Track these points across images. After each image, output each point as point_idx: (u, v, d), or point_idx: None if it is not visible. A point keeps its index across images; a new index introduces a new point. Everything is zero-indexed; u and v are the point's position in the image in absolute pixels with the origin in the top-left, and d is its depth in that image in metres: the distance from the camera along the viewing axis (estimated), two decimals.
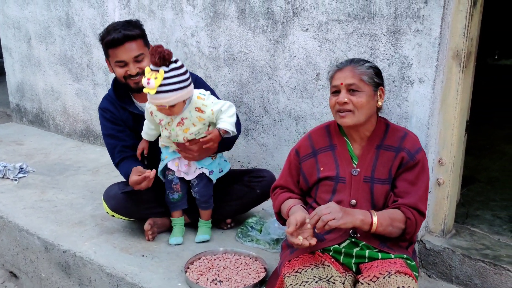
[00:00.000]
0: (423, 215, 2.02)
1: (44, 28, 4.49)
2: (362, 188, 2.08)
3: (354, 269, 1.99)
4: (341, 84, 2.03)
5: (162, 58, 2.13)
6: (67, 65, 4.41)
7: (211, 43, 3.33)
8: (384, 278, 1.84)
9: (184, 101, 2.34)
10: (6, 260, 3.04)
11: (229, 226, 2.80)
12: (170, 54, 2.16)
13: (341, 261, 2.00)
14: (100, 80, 4.16)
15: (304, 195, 2.26)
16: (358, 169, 2.09)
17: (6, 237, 2.97)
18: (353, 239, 2.04)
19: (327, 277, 1.90)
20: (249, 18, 3.09)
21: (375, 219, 1.94)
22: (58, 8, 4.30)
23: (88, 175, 3.68)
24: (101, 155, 4.14)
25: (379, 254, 1.97)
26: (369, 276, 1.88)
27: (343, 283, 1.87)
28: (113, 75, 2.77)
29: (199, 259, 2.42)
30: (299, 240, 1.92)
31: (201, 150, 2.46)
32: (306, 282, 1.88)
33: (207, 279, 2.25)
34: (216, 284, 2.22)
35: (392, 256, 1.97)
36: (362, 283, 1.87)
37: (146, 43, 2.61)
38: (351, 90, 2.02)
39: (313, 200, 2.19)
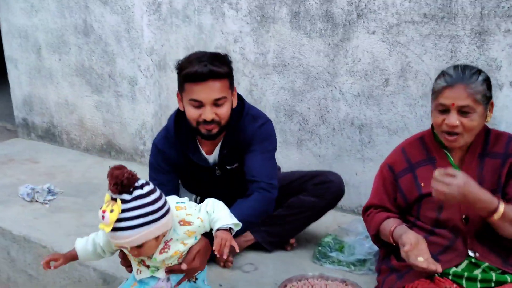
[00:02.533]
0: None
1: (57, 37, 4.19)
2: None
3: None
4: (453, 105, 1.83)
5: (120, 184, 1.57)
6: (85, 76, 4.12)
7: (258, 49, 3.12)
8: None
9: (158, 238, 1.71)
10: None
11: (293, 246, 2.59)
12: (131, 178, 1.60)
13: (464, 286, 1.82)
14: (125, 91, 3.90)
15: (402, 213, 2.08)
16: None
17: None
18: (472, 259, 1.86)
19: None
20: (303, 21, 2.89)
21: (501, 206, 1.75)
22: (74, 15, 4.01)
23: None
24: None
25: (508, 277, 1.79)
26: None
27: None
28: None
29: (285, 286, 2.20)
30: (421, 261, 1.73)
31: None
32: None
33: None
34: None
35: None
36: None
37: (232, 84, 2.23)
38: (463, 111, 1.83)
39: (416, 219, 2.01)
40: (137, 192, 1.61)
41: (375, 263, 2.37)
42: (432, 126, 2.00)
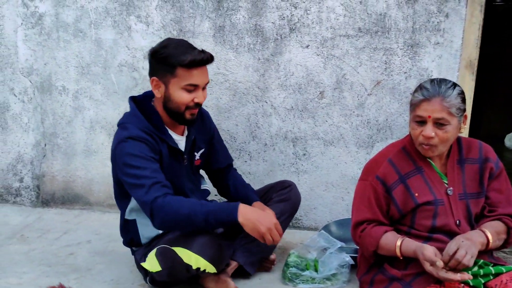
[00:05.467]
0: None
1: None
2: (460, 206, 2.06)
3: None
4: (429, 117, 1.94)
5: None
6: None
7: None
8: None
9: None
10: None
11: (274, 263, 2.51)
12: None
13: (471, 284, 1.95)
14: None
15: (393, 224, 2.14)
16: (451, 188, 2.06)
17: None
18: None
19: None
20: (229, 35, 2.77)
21: (490, 237, 1.96)
22: None
23: (18, 245, 2.82)
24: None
25: (503, 268, 1.98)
26: None
27: None
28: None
29: None
30: (455, 276, 1.81)
31: None
32: None
33: None
34: None
35: None
36: None
37: None
38: (438, 123, 1.95)
39: (409, 227, 2.09)
40: None
41: (347, 275, 2.39)
42: (410, 135, 2.10)
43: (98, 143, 3.12)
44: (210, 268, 2.04)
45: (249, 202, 2.34)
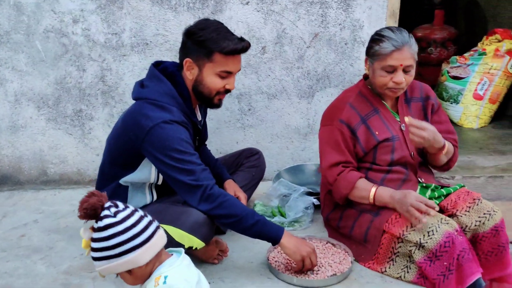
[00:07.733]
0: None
1: None
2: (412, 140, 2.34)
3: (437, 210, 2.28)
4: (401, 65, 2.12)
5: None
6: None
7: (108, 29, 2.76)
8: (477, 205, 2.19)
9: (132, 272, 1.54)
10: None
11: None
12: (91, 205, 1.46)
13: None
14: None
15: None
16: (404, 124, 2.33)
17: None
18: (423, 184, 2.31)
19: (438, 221, 2.13)
20: None
21: (446, 143, 2.26)
22: None
23: None
24: None
25: (451, 189, 2.31)
26: (462, 208, 2.20)
27: None
28: None
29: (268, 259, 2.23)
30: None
31: None
32: (431, 230, 2.07)
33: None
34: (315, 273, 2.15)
35: (458, 187, 2.34)
36: (461, 216, 2.19)
37: None
38: (406, 70, 2.15)
39: (371, 164, 2.32)
40: (98, 224, 1.50)
41: (311, 215, 2.59)
42: (364, 79, 2.31)
43: (26, 117, 2.90)
44: (201, 245, 2.07)
45: (221, 180, 2.42)
